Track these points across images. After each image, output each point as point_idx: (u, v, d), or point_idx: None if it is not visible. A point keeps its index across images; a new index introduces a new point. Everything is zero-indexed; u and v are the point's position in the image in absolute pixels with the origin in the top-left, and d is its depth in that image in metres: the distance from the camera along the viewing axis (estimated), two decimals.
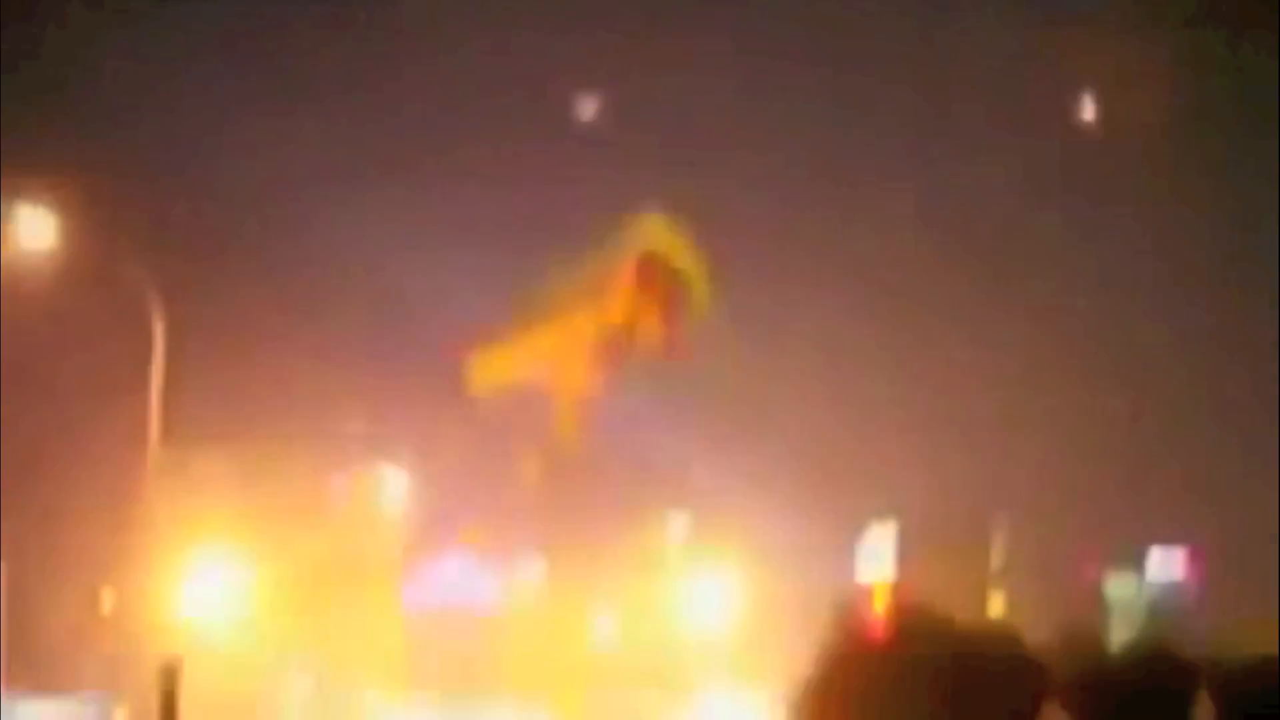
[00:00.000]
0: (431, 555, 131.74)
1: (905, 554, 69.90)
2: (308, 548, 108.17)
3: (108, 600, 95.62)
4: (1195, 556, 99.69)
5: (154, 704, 20.79)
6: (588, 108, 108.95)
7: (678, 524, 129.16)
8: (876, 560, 65.50)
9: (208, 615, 77.05)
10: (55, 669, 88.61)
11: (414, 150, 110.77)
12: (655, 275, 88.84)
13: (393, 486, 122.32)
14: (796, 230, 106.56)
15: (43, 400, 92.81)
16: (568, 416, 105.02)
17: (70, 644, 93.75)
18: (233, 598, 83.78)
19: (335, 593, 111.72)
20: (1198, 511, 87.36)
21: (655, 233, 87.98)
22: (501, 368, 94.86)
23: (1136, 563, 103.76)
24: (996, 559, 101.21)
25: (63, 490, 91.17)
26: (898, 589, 56.43)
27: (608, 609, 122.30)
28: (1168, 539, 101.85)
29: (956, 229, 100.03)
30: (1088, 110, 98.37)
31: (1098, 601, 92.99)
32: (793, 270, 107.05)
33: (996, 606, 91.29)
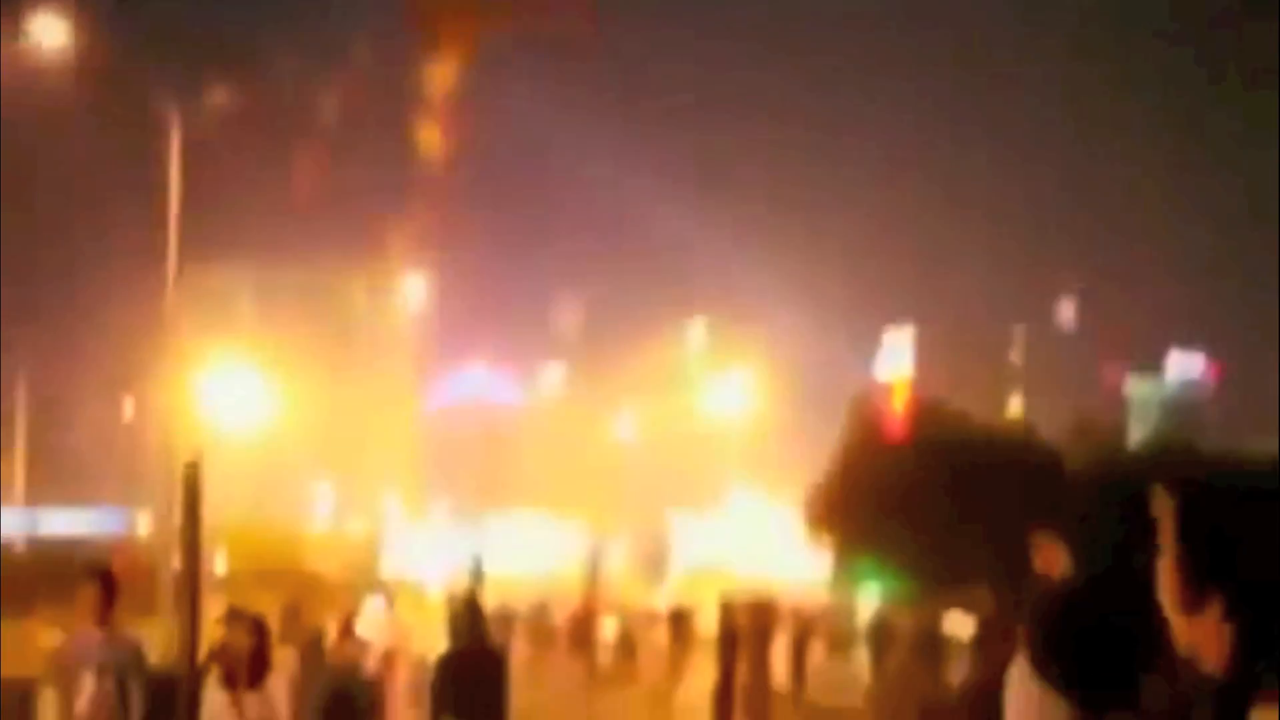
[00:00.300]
0: (453, 360, 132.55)
1: (924, 356, 69.94)
2: (328, 355, 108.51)
3: (129, 409, 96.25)
4: (1213, 358, 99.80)
5: (177, 509, 20.94)
6: None
7: (698, 329, 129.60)
8: (895, 360, 65.47)
9: (228, 422, 77.33)
10: (79, 480, 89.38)
11: None
12: None
13: (415, 293, 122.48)
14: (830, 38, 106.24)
15: (62, 213, 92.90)
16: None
17: (93, 455, 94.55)
18: (253, 405, 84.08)
19: (356, 398, 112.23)
20: (1216, 316, 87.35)
21: None
22: None
23: (1156, 365, 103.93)
24: (1016, 360, 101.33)
25: (84, 304, 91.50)
26: (916, 387, 56.51)
27: (628, 410, 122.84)
28: (1187, 342, 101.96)
29: (979, 30, 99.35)
30: None
31: (1118, 402, 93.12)
32: (821, 78, 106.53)
33: (1015, 407, 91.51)
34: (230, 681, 11.85)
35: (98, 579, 12.53)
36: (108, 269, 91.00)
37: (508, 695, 14.64)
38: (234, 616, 12.44)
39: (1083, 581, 4.38)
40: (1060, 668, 4.21)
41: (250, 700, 11.75)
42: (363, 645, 24.00)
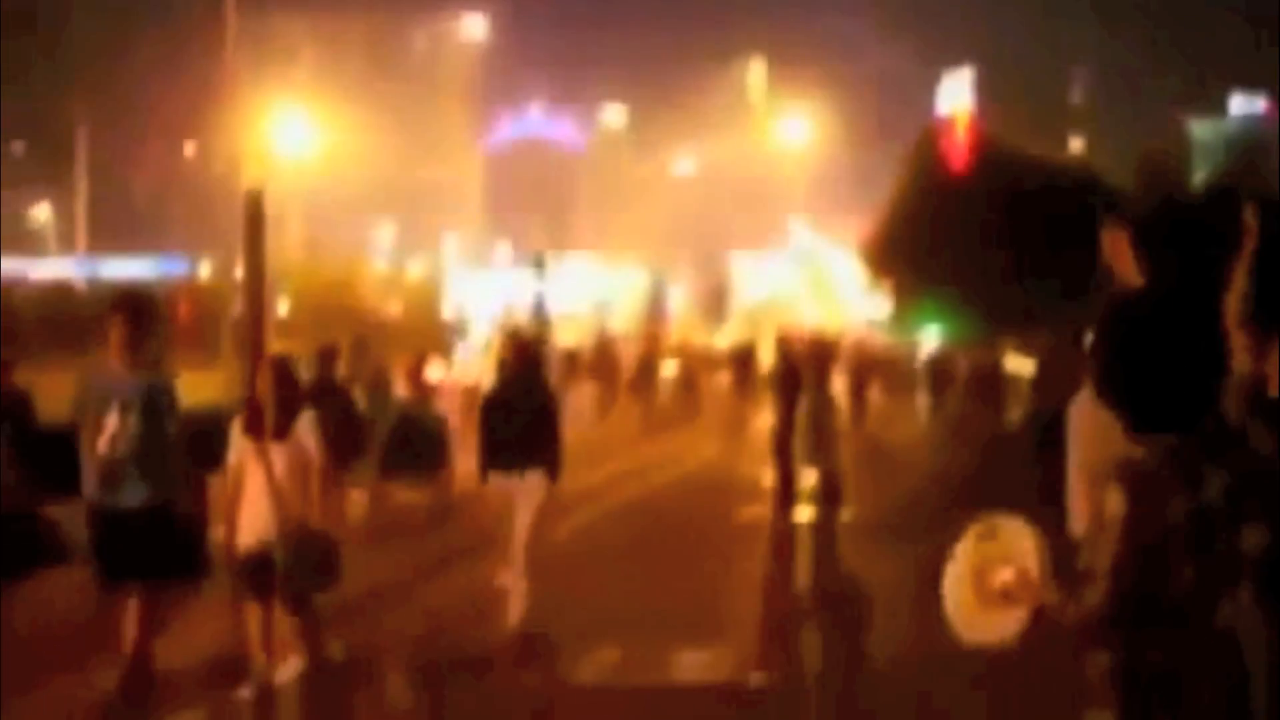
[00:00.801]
0: (513, 101, 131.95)
1: (984, 96, 69.30)
2: (388, 97, 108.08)
3: (191, 152, 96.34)
4: (1276, 100, 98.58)
5: (240, 252, 21.11)
6: None
7: (758, 70, 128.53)
8: (956, 96, 64.86)
9: (290, 162, 77.32)
10: (142, 226, 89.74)
11: None
12: None
13: (475, 33, 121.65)
14: None
15: None
16: None
17: (155, 201, 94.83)
18: (313, 146, 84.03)
19: (416, 139, 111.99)
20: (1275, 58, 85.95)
21: None
22: None
23: (1219, 106, 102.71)
24: (1077, 100, 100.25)
25: (144, 53, 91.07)
26: (977, 122, 55.94)
27: (688, 151, 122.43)
28: (1250, 83, 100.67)
29: None
30: None
31: (1181, 142, 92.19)
32: None
33: (1076, 146, 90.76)
34: (255, 430, 11.07)
35: (124, 310, 11.71)
36: (168, 15, 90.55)
37: (559, 435, 14.29)
38: (262, 362, 11.69)
39: (1153, 296, 4.35)
40: (1126, 383, 4.20)
41: (276, 451, 10.98)
42: (432, 385, 24.28)
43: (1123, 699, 4.06)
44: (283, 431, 11.04)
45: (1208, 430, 4.19)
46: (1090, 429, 6.29)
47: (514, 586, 13.46)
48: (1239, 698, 4.05)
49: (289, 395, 11.23)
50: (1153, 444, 4.14)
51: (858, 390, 40.60)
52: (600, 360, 50.49)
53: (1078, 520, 6.42)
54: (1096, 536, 4.12)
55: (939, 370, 46.64)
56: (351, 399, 20.01)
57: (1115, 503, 4.11)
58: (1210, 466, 4.13)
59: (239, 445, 11.18)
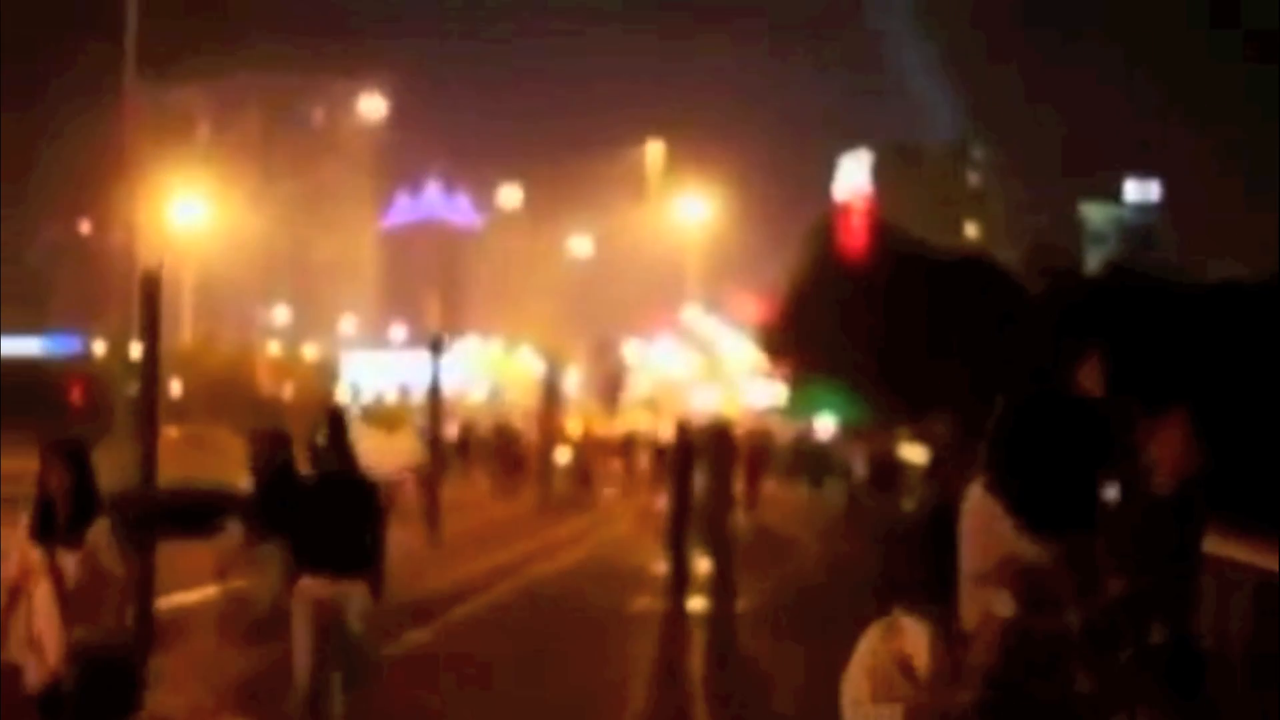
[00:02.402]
0: (411, 179, 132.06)
1: (882, 177, 69.85)
2: (287, 174, 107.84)
3: (86, 229, 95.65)
4: (1168, 183, 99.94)
5: (135, 330, 20.96)
6: None
7: (655, 150, 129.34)
8: (853, 179, 65.39)
9: (189, 239, 76.96)
10: (35, 304, 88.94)
11: None
12: None
13: (373, 111, 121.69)
14: None
15: (18, 31, 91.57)
16: None
17: (50, 279, 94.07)
18: (212, 226, 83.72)
19: (312, 220, 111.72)
20: (1170, 141, 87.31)
21: None
22: None
23: (1112, 190, 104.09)
24: (973, 183, 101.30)
25: (39, 124, 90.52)
26: (873, 206, 56.43)
27: (585, 232, 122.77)
28: (1143, 168, 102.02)
29: None
30: None
31: (1074, 227, 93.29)
32: None
33: (972, 230, 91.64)
34: (43, 533, 9.09)
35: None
36: (65, 86, 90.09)
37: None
38: (48, 448, 9.48)
39: (1047, 395, 4.30)
40: (1019, 482, 4.16)
41: (66, 559, 9.07)
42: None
43: None
44: (76, 535, 9.09)
45: (1100, 531, 4.15)
46: (980, 524, 6.22)
47: None
48: None
49: (85, 489, 9.19)
50: (1044, 544, 4.09)
51: (752, 477, 40.55)
52: (494, 446, 50.33)
53: (967, 618, 6.33)
54: (979, 634, 4.09)
55: (834, 457, 46.72)
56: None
57: (1001, 604, 4.06)
58: (1109, 569, 4.08)
59: (22, 551, 9.19)
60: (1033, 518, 4.12)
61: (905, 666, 4.13)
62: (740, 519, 31.48)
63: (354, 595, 11.12)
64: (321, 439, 11.61)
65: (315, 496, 11.57)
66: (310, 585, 11.16)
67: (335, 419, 11.92)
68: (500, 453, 48.84)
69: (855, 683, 4.23)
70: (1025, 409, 4.25)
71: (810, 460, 47.27)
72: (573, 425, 65.06)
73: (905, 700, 4.14)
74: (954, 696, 4.07)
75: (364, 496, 11.52)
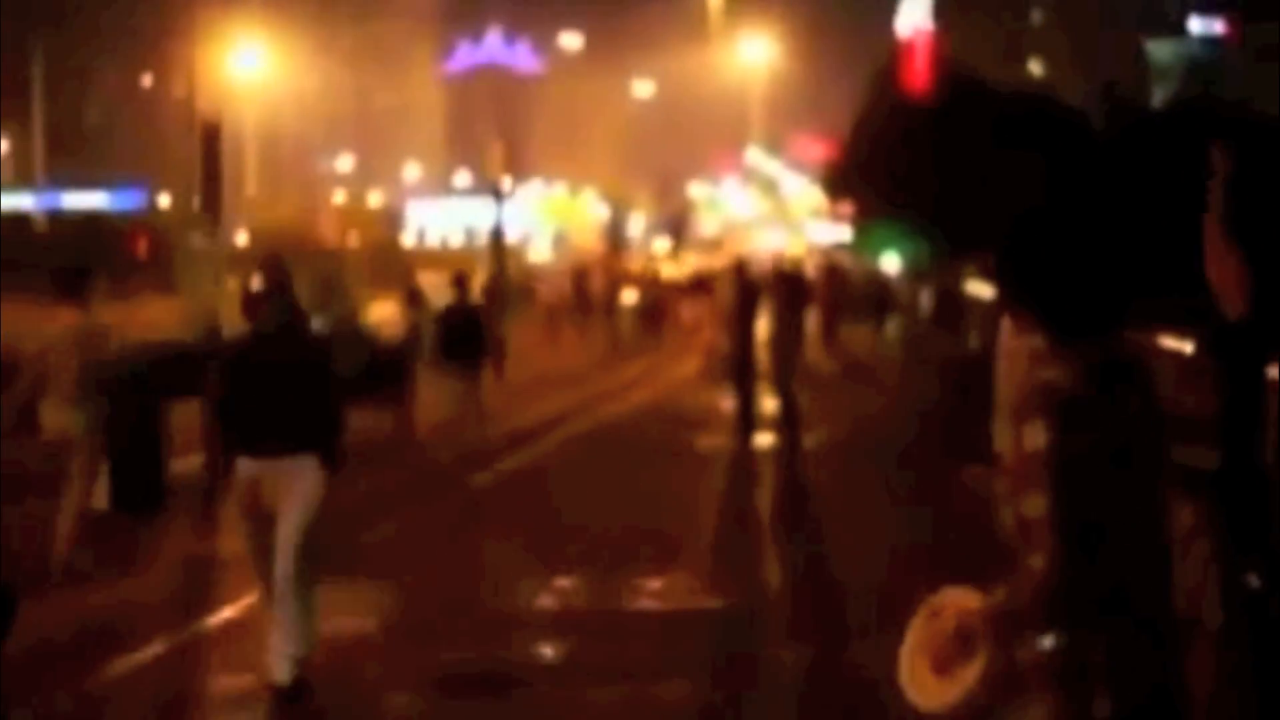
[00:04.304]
0: (471, 27, 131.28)
1: (944, 14, 69.05)
2: (347, 26, 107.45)
3: (147, 82, 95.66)
4: (1232, 18, 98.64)
5: (197, 180, 21.00)
6: None
7: None
8: (914, 14, 64.60)
9: (247, 92, 76.83)
10: (99, 158, 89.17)
11: None
12: None
13: None
14: None
15: None
16: None
17: (113, 134, 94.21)
18: (273, 79, 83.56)
19: (375, 68, 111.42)
20: None
21: None
22: None
23: (1177, 27, 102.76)
24: (1037, 21, 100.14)
25: None
26: (937, 43, 55.77)
27: (648, 74, 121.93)
28: (1208, 4, 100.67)
29: None
30: None
31: (1139, 63, 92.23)
32: None
33: (1035, 68, 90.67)
34: None
35: None
36: None
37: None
38: None
39: (1052, 205, 4.22)
40: (1039, 288, 4.09)
41: None
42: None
43: (1065, 683, 3.97)
44: None
45: (1123, 347, 4.09)
46: (1010, 354, 6.26)
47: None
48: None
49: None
50: (1071, 363, 4.03)
51: (829, 315, 40.71)
52: (560, 289, 50.41)
53: (1002, 449, 6.35)
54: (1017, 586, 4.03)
55: (899, 295, 46.63)
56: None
57: (1032, 435, 3.99)
58: (1127, 385, 4.02)
59: None
60: (1058, 326, 4.06)
61: (963, 634, 4.11)
62: (815, 357, 31.66)
63: (300, 474, 9.45)
64: (258, 286, 9.61)
65: (249, 359, 9.71)
66: (248, 465, 9.57)
67: (271, 265, 9.87)
68: (577, 292, 48.97)
69: (912, 665, 4.21)
70: (1036, 221, 4.19)
71: (876, 298, 47.18)
72: (638, 267, 65.10)
73: (971, 665, 4.10)
74: (1016, 653, 4.03)
75: (311, 357, 9.78)
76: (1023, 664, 3.97)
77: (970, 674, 4.08)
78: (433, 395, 19.78)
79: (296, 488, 9.36)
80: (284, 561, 9.29)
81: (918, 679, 4.21)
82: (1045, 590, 3.95)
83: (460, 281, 19.27)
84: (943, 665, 4.14)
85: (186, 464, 16.24)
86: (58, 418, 12.39)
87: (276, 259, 9.96)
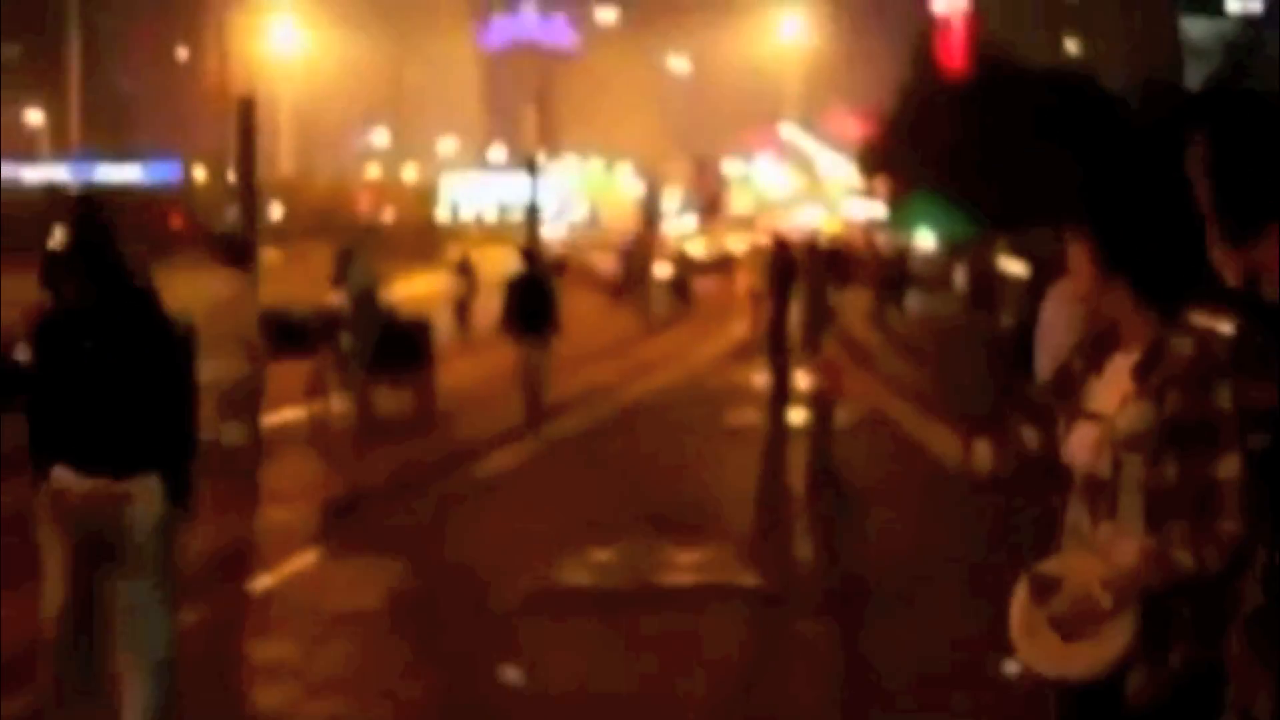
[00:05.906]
0: (507, 3, 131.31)
1: None
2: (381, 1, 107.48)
3: (183, 56, 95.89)
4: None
5: (232, 154, 21.03)
6: None
7: None
8: None
9: (282, 65, 76.96)
10: (135, 131, 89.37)
11: None
12: None
13: None
14: None
15: None
16: None
17: (148, 107, 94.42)
18: (308, 53, 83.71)
19: (411, 43, 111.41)
20: None
21: None
22: None
23: (1216, 3, 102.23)
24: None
25: None
26: (973, 20, 55.67)
27: (683, 49, 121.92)
28: None
29: None
30: None
31: (1175, 42, 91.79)
32: None
33: (1071, 45, 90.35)
34: None
35: None
36: None
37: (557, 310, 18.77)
38: None
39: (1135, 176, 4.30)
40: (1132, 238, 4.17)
41: None
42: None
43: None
44: None
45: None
46: (1050, 329, 6.29)
47: None
48: None
49: None
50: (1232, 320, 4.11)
51: (878, 293, 40.85)
52: (594, 263, 50.47)
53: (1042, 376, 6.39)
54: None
55: (936, 270, 46.61)
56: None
57: (1223, 395, 4.07)
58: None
59: None
60: (1147, 286, 4.14)
61: (1087, 602, 4.14)
62: (863, 334, 31.76)
63: (136, 499, 6.67)
64: (58, 244, 6.67)
65: (54, 344, 6.81)
66: (64, 478, 6.73)
67: (82, 213, 7.21)
68: (599, 270, 49.07)
69: (1033, 638, 4.26)
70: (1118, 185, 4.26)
71: (911, 273, 47.17)
72: (672, 242, 65.13)
73: (1115, 626, 4.13)
74: (1209, 539, 4.05)
75: (148, 346, 6.74)
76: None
77: (1118, 634, 4.14)
78: (502, 361, 20.19)
79: (134, 516, 6.63)
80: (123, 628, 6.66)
81: (1049, 650, 4.24)
82: (1237, 554, 4.01)
83: (530, 254, 20.76)
84: (1071, 633, 4.19)
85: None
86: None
87: (89, 203, 7.36)
